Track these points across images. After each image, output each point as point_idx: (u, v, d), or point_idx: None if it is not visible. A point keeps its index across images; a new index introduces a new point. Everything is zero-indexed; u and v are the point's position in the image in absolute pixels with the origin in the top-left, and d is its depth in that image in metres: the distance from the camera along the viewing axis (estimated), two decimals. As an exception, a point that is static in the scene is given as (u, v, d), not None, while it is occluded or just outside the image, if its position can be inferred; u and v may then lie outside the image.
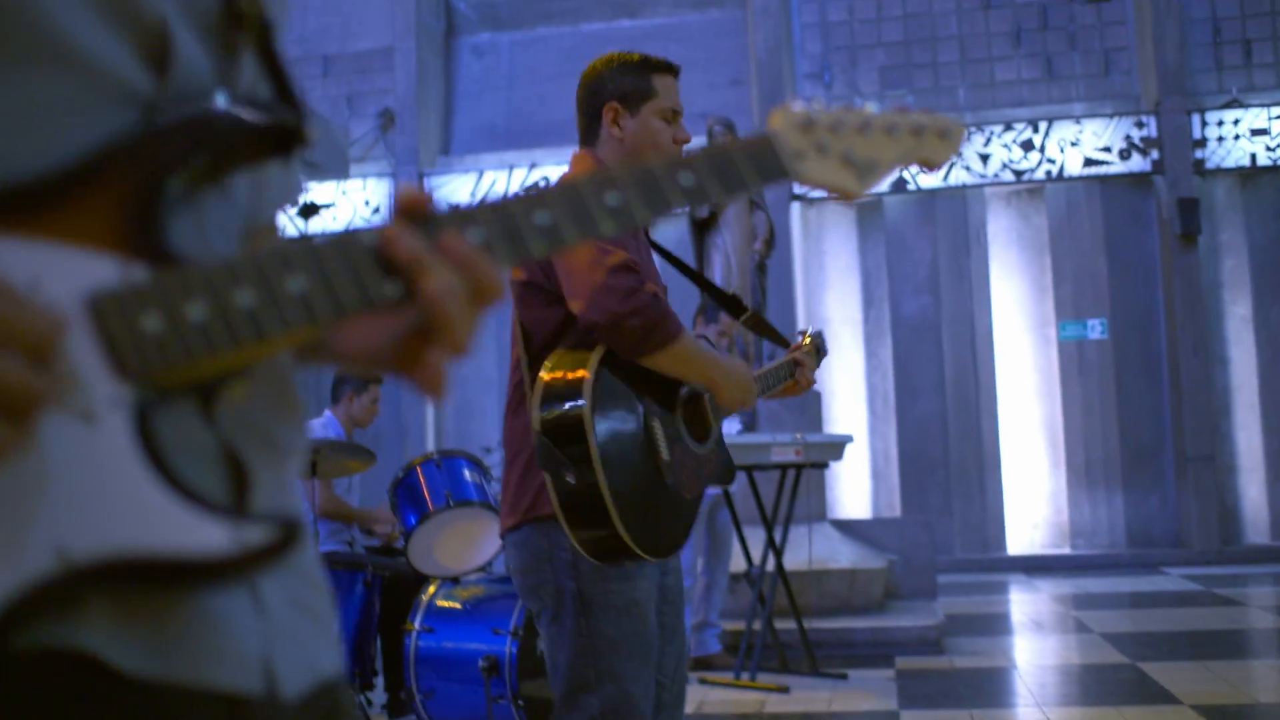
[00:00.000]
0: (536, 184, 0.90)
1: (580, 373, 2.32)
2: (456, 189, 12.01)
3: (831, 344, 11.81)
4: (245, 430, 0.83)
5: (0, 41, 0.74)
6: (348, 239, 0.79)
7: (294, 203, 1.03)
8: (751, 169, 0.94)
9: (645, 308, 2.31)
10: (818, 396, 8.38)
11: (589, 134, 2.67)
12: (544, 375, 2.36)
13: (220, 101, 0.84)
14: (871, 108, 1.05)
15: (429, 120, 12.27)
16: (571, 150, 2.73)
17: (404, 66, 12.17)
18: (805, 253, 11.84)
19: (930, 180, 11.21)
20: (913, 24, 11.86)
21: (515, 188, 11.04)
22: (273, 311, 0.74)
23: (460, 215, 0.85)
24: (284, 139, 0.86)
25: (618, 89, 2.63)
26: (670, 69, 2.68)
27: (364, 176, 12.13)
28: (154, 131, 0.79)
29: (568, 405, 2.30)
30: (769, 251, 7.99)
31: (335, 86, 12.34)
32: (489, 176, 12.01)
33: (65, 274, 0.72)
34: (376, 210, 12.12)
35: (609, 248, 2.34)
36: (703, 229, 7.95)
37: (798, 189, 11.35)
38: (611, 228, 0.90)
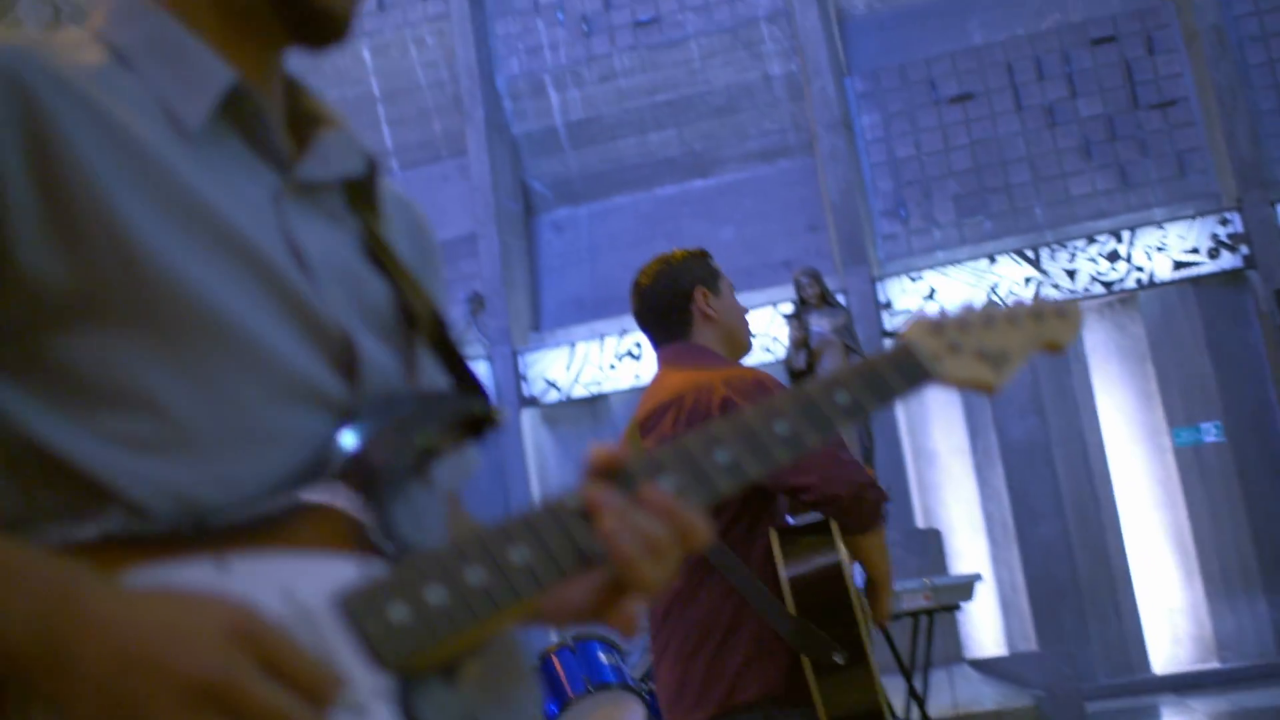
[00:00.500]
0: (710, 425, 0.93)
1: (825, 542, 2.34)
2: (551, 363, 12.20)
3: (942, 476, 11.66)
4: (485, 696, 0.87)
5: (206, 350, 0.83)
6: (554, 505, 0.85)
7: (472, 473, 1.09)
8: (898, 378, 1.00)
9: (875, 484, 2.36)
10: (937, 534, 8.26)
11: (678, 328, 2.72)
12: (784, 557, 2.36)
13: (414, 400, 0.92)
14: (993, 303, 1.10)
15: (517, 299, 12.54)
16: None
17: (488, 251, 12.50)
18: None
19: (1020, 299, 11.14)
20: (981, 150, 11.96)
21: (608, 356, 11.12)
22: (503, 584, 0.79)
23: (650, 465, 0.89)
24: (476, 424, 0.95)
25: (696, 276, 2.73)
26: None
27: (459, 361, 12.36)
28: (367, 438, 0.85)
29: (824, 571, 2.31)
30: (871, 395, 7.97)
31: (424, 278, 12.68)
32: (581, 348, 12.19)
33: (312, 580, 0.77)
34: (475, 393, 12.32)
35: None
36: (799, 379, 7.97)
37: (888, 325, 11.39)
38: (786, 456, 0.94)
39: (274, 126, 0.96)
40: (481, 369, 12.34)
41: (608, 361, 12.02)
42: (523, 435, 12.05)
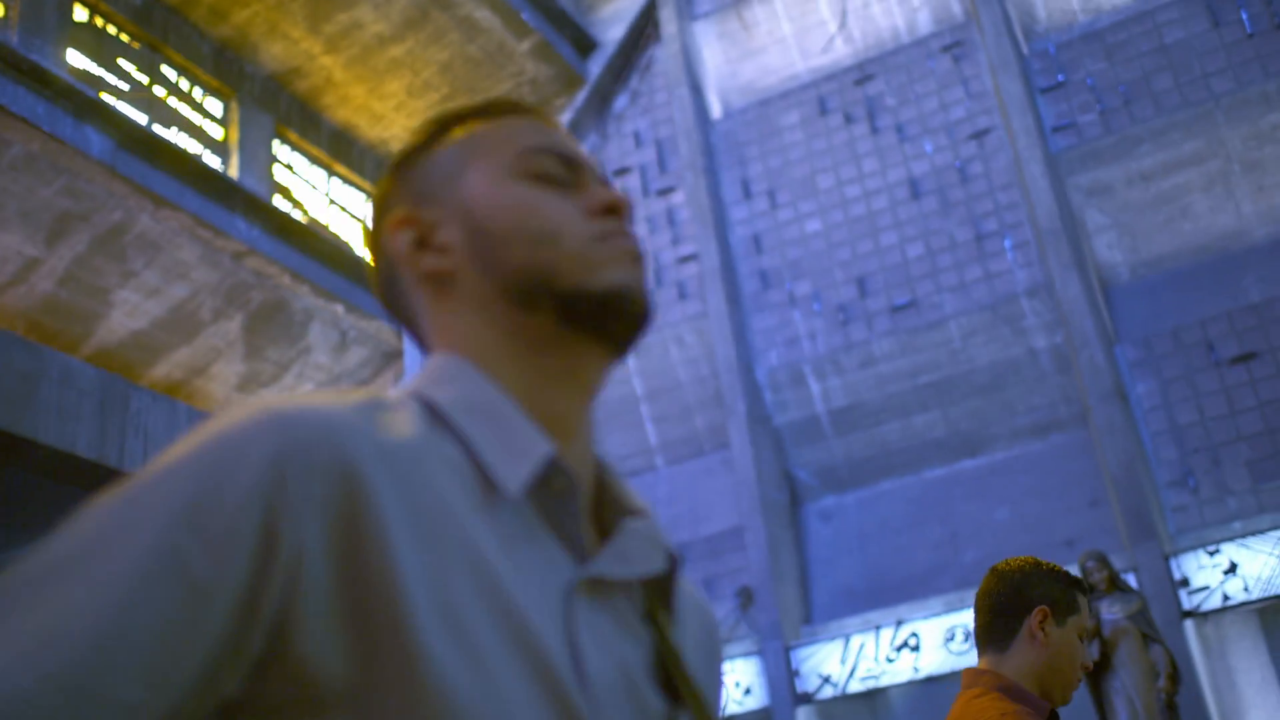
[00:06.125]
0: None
1: None
2: (825, 658, 11.74)
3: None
4: None
5: None
6: None
7: None
8: None
9: None
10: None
11: (999, 637, 2.54)
12: None
13: None
14: None
15: (787, 592, 12.25)
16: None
17: (755, 543, 12.34)
18: (1212, 675, 10.76)
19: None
20: (1271, 411, 11.22)
21: (885, 648, 10.64)
22: None
23: None
24: None
25: (1048, 595, 2.54)
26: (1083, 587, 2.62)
27: (730, 658, 12.07)
28: None
29: None
30: (1176, 688, 7.18)
31: (691, 572, 12.61)
32: (855, 640, 11.71)
33: None
34: (748, 691, 11.93)
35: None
36: (1096, 675, 7.28)
37: (1186, 604, 10.49)
38: None
39: (579, 512, 0.91)
40: (752, 666, 11.98)
41: (884, 654, 11.48)
42: (798, 734, 11.52)
